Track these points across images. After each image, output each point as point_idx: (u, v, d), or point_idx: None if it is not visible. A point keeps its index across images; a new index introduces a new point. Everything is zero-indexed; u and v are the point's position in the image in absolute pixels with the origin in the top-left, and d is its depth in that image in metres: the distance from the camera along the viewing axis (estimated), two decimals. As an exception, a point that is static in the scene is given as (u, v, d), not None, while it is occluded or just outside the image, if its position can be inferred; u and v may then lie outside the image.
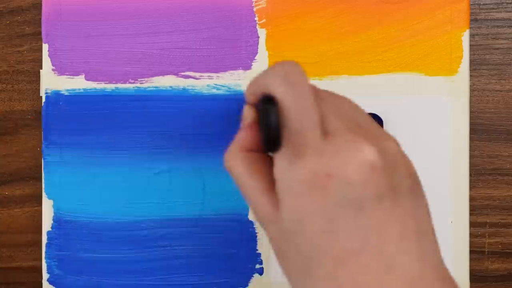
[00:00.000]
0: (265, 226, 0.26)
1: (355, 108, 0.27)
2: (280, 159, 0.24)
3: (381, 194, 0.23)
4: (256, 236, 0.41)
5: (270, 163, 0.26)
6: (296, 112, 0.24)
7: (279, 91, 0.24)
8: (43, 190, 0.41)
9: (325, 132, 0.24)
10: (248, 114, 0.27)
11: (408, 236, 0.23)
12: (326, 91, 0.27)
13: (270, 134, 0.24)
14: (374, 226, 0.23)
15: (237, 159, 0.26)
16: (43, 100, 0.41)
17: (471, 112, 0.41)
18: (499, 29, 0.42)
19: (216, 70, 0.41)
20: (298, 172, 0.24)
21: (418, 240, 0.23)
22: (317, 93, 0.26)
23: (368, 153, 0.23)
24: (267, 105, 0.24)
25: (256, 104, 0.27)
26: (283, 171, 0.24)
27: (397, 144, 0.25)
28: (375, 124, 0.26)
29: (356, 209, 0.23)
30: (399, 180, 0.24)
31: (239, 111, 0.41)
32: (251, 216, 0.41)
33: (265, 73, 0.26)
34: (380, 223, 0.23)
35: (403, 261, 0.23)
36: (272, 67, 0.26)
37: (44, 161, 0.41)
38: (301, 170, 0.23)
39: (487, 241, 0.42)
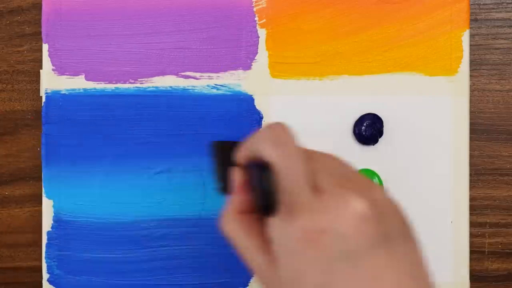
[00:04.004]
0: (264, 283, 0.27)
1: (343, 164, 0.28)
2: (274, 219, 0.25)
3: (374, 244, 0.24)
4: (256, 236, 0.41)
5: (263, 222, 0.27)
6: (288, 174, 0.25)
7: (270, 155, 0.25)
8: (43, 190, 0.41)
9: (315, 189, 0.25)
10: (238, 176, 0.28)
11: (403, 282, 0.24)
12: (314, 151, 0.28)
13: (267, 200, 0.25)
14: (370, 275, 0.23)
15: (233, 223, 0.27)
16: (43, 100, 0.41)
17: (471, 112, 0.41)
18: (499, 29, 0.42)
19: (216, 70, 0.41)
20: (292, 231, 0.24)
21: (414, 285, 0.24)
22: (306, 152, 0.27)
23: (358, 205, 0.24)
24: (262, 171, 0.25)
25: (247, 166, 0.28)
26: (277, 231, 0.25)
27: (386, 193, 0.26)
28: (363, 177, 0.27)
29: (351, 261, 0.23)
30: (391, 227, 0.25)
31: (239, 111, 0.41)
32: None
33: (256, 137, 0.27)
34: (375, 272, 0.24)
35: None
36: (261, 131, 0.27)
37: (44, 161, 0.41)
38: (295, 228, 0.24)
39: (487, 241, 0.42)
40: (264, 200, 0.25)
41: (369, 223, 0.24)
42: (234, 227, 0.27)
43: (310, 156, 0.26)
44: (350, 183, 0.25)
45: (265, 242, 0.26)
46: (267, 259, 0.26)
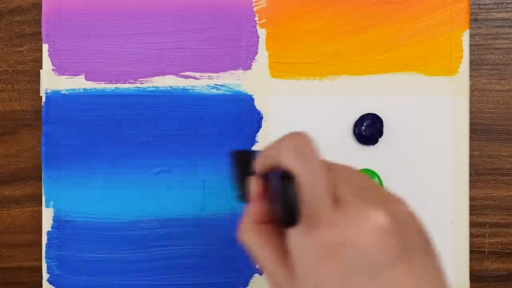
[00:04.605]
0: None
1: (362, 176, 0.27)
2: (294, 231, 0.25)
3: (395, 257, 0.23)
4: (256, 236, 0.41)
5: (281, 233, 0.27)
6: (310, 186, 0.24)
7: (293, 166, 0.25)
8: (43, 190, 0.41)
9: (335, 201, 0.25)
10: (256, 185, 0.27)
11: None
12: (334, 163, 0.28)
13: (290, 211, 0.24)
14: None
15: (251, 232, 0.27)
16: (43, 100, 0.41)
17: (471, 112, 0.41)
18: (499, 29, 0.42)
19: (216, 70, 0.41)
20: (312, 243, 0.24)
21: None
22: (326, 164, 0.26)
23: (379, 218, 0.24)
24: (286, 182, 0.25)
25: (266, 175, 0.28)
26: (297, 243, 0.25)
27: (406, 205, 0.26)
28: (382, 188, 0.27)
29: (371, 275, 0.23)
30: (412, 241, 0.25)
31: (239, 111, 0.41)
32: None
33: (277, 145, 0.26)
34: (395, 285, 0.23)
35: None
36: (283, 139, 0.26)
37: (44, 161, 0.41)
38: (315, 241, 0.24)
39: (487, 241, 0.42)
40: (286, 211, 0.25)
41: (390, 236, 0.23)
42: (252, 237, 0.27)
43: (330, 168, 0.26)
44: (370, 195, 0.25)
45: (284, 253, 0.26)
46: (285, 271, 0.26)
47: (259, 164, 0.28)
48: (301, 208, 0.25)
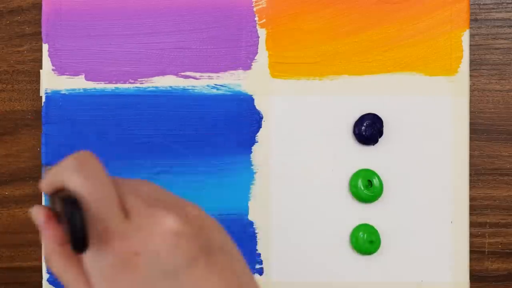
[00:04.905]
0: None
1: (154, 187, 0.27)
2: (87, 252, 0.24)
3: (193, 257, 0.24)
4: (256, 236, 0.41)
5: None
6: (96, 202, 0.24)
7: (75, 184, 0.24)
8: (43, 190, 0.41)
9: (125, 213, 0.24)
10: (38, 213, 0.26)
11: None
12: (121, 178, 0.27)
13: (79, 236, 0.23)
14: None
15: (54, 255, 0.26)
16: (43, 100, 0.41)
17: (471, 112, 0.41)
18: (499, 29, 0.42)
19: (216, 70, 0.41)
20: (106, 258, 0.24)
21: None
22: (112, 179, 0.26)
23: (169, 222, 0.24)
24: (70, 208, 0.23)
25: (53, 197, 0.26)
26: (92, 261, 0.24)
27: (198, 208, 0.26)
28: (175, 196, 0.27)
29: (171, 278, 0.23)
30: (208, 239, 0.25)
31: (239, 111, 0.41)
32: (251, 216, 0.41)
33: (60, 165, 0.26)
34: (198, 285, 0.23)
35: None
36: (65, 159, 0.26)
37: (44, 161, 0.41)
38: (108, 255, 0.24)
39: (487, 241, 0.42)
40: (74, 236, 0.23)
41: (184, 238, 0.23)
42: (55, 259, 0.26)
43: (117, 182, 0.26)
44: (159, 202, 0.25)
45: (85, 274, 0.25)
46: None
47: (43, 185, 0.27)
48: (89, 231, 0.24)
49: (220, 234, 0.26)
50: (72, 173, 0.24)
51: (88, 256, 0.24)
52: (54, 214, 0.26)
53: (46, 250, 0.26)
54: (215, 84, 0.41)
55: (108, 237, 0.24)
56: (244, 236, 0.41)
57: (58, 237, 0.26)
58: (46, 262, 0.27)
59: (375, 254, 0.40)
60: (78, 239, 0.23)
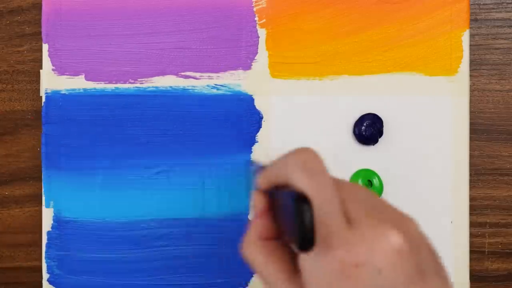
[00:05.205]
0: None
1: (370, 194, 0.27)
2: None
3: (410, 279, 0.23)
4: (256, 236, 0.41)
5: (288, 250, 0.26)
6: (321, 204, 0.24)
7: (304, 185, 0.24)
8: (43, 190, 0.41)
9: (348, 220, 0.24)
10: (259, 201, 0.27)
11: None
12: (341, 180, 0.27)
13: (306, 235, 0.23)
14: None
15: (255, 248, 0.26)
16: (43, 100, 0.41)
17: (471, 112, 0.41)
18: (499, 29, 0.42)
19: (216, 70, 0.41)
20: (326, 263, 0.23)
21: None
22: (335, 181, 0.25)
23: (394, 238, 0.23)
24: (300, 204, 0.23)
25: (270, 192, 0.27)
26: (309, 262, 0.24)
27: (417, 224, 0.25)
28: (392, 206, 0.26)
29: None
30: (425, 261, 0.24)
31: (239, 111, 0.41)
32: (251, 216, 0.41)
33: (283, 162, 0.25)
34: None
35: None
36: (289, 156, 0.25)
37: (44, 161, 0.41)
38: (329, 261, 0.23)
39: (487, 241, 0.42)
40: (302, 235, 0.23)
41: (405, 257, 0.23)
42: (255, 253, 0.26)
43: (338, 185, 0.25)
44: (382, 214, 0.25)
45: (291, 271, 0.25)
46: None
47: (263, 180, 0.27)
48: (316, 230, 0.23)
49: (434, 256, 0.25)
50: (299, 172, 0.24)
51: (307, 258, 0.24)
52: (269, 208, 0.26)
53: (247, 241, 0.26)
54: (215, 84, 0.41)
55: (331, 242, 0.23)
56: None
57: (265, 230, 0.26)
58: (243, 252, 0.27)
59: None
60: (307, 238, 0.23)
